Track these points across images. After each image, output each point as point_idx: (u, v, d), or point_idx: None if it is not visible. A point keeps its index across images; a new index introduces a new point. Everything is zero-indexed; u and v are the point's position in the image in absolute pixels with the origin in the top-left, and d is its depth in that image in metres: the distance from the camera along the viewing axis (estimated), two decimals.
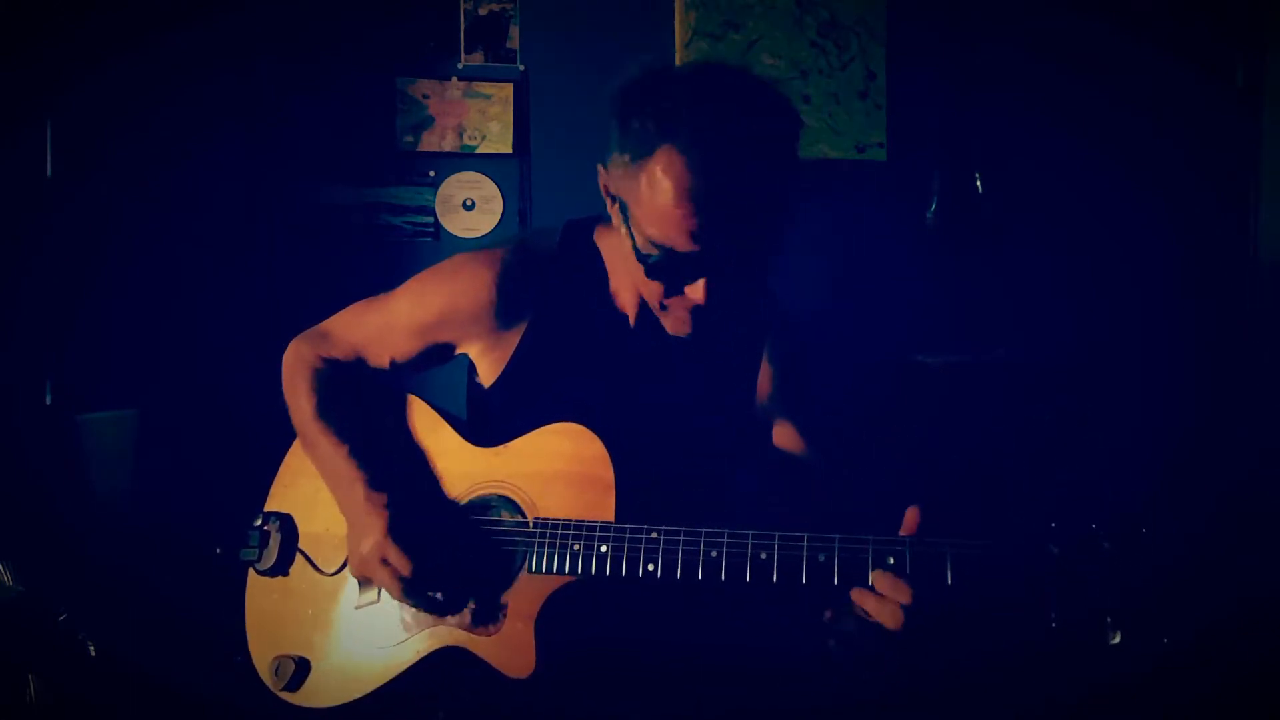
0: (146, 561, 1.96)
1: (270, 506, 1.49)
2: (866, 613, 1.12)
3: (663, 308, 1.27)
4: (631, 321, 1.37)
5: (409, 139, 2.45)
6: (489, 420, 1.43)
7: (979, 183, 2.67)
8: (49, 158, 2.11)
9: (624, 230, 1.23)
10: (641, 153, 1.15)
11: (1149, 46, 2.68)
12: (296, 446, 1.51)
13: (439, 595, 1.31)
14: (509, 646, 1.25)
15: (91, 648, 1.68)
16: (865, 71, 2.64)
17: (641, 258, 1.20)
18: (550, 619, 1.26)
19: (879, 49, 2.65)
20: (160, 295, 2.27)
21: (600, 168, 1.25)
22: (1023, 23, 2.67)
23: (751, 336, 1.42)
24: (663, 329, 1.31)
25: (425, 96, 2.45)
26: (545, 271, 1.37)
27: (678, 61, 2.52)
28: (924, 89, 2.67)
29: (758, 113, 1.17)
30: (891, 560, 1.11)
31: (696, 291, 1.20)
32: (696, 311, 1.23)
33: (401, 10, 2.43)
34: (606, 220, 1.36)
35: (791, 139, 1.22)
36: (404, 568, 1.27)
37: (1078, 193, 2.73)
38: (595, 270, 1.38)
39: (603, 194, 1.27)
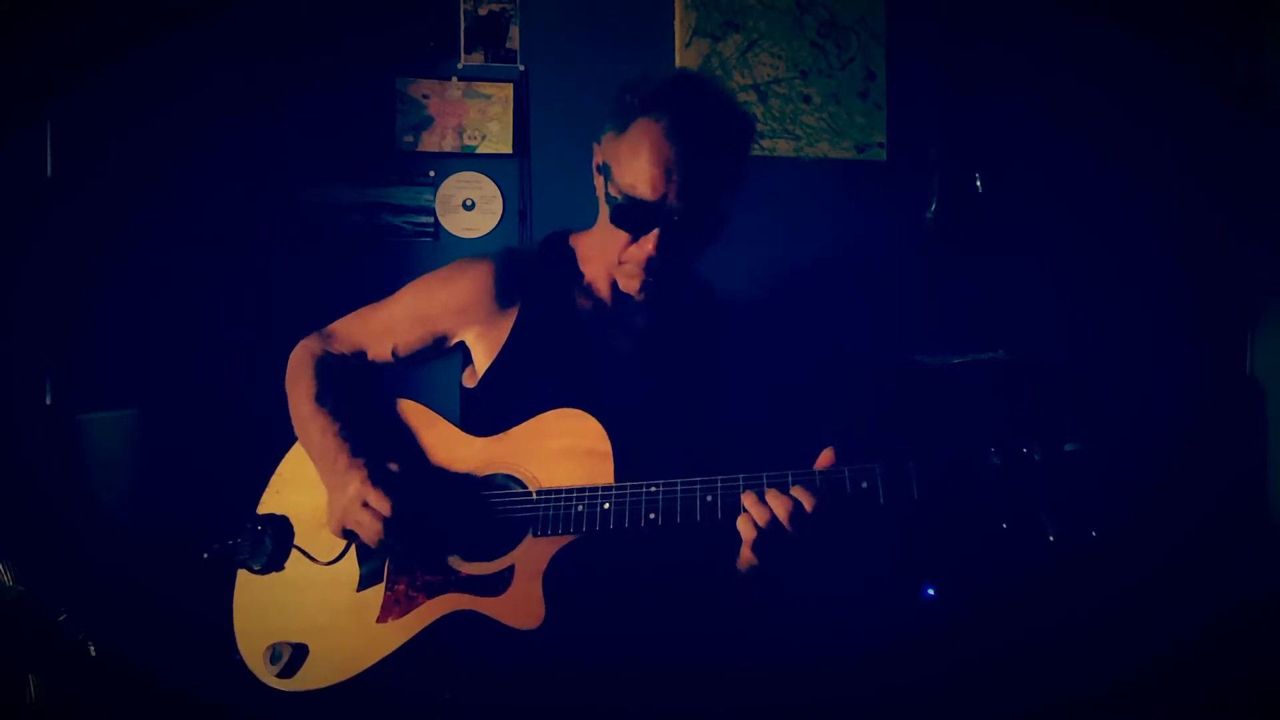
0: (146, 561, 1.96)
1: (263, 510, 1.54)
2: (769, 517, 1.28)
3: (621, 263, 1.48)
4: (608, 302, 1.57)
5: (409, 139, 2.45)
6: (481, 412, 1.54)
7: (979, 183, 2.67)
8: (49, 158, 2.11)
9: (603, 190, 1.48)
10: (627, 123, 1.44)
11: (1148, 46, 2.68)
12: (290, 455, 1.59)
13: (435, 548, 1.40)
14: (518, 602, 1.33)
15: (91, 648, 1.69)
16: (865, 71, 2.64)
17: (611, 200, 1.45)
18: (557, 574, 1.35)
19: (879, 49, 2.65)
20: (160, 295, 2.26)
21: (595, 145, 1.51)
22: (1022, 23, 2.67)
23: (709, 318, 1.63)
24: (629, 301, 1.54)
25: (425, 96, 2.45)
26: (532, 266, 1.59)
27: (677, 62, 2.53)
28: (924, 89, 2.67)
29: (718, 114, 1.46)
30: (864, 484, 1.27)
31: (649, 242, 1.43)
32: (649, 265, 1.45)
33: (401, 10, 2.43)
34: (576, 228, 1.64)
35: (743, 140, 1.49)
36: (384, 508, 1.37)
37: (1078, 193, 2.73)
38: (572, 265, 1.60)
39: (594, 169, 1.52)
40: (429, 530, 1.40)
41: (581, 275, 1.59)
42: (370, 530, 1.38)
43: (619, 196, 1.43)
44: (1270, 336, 2.77)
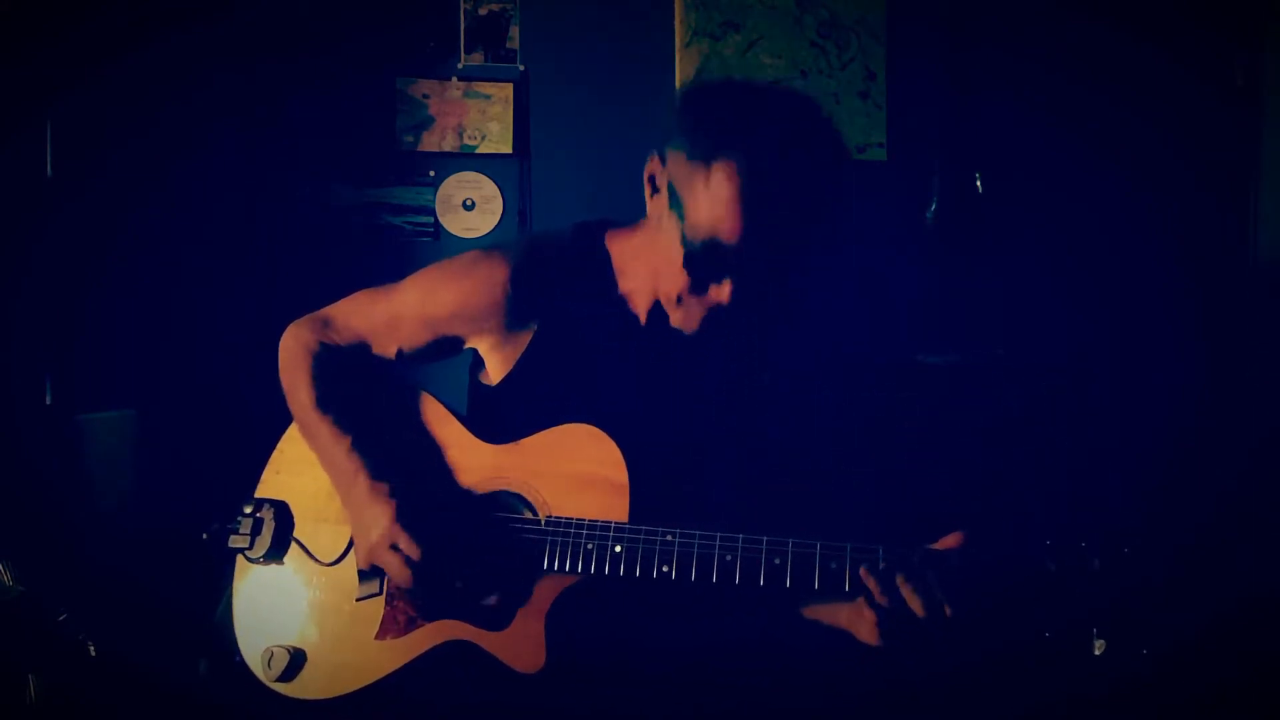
0: (146, 561, 1.96)
1: (262, 493, 1.45)
2: (900, 599, 1.16)
3: (679, 301, 1.30)
4: (643, 321, 1.37)
5: (409, 139, 2.45)
6: (493, 417, 1.43)
7: (979, 183, 2.67)
8: (49, 158, 2.11)
9: (670, 215, 1.27)
10: (704, 157, 1.22)
11: (1149, 46, 2.68)
12: (291, 433, 1.48)
13: (452, 584, 1.30)
14: (519, 642, 1.26)
15: (91, 648, 1.68)
16: (865, 71, 2.64)
17: (686, 242, 1.24)
18: (561, 615, 1.26)
19: (879, 49, 2.65)
20: (160, 295, 2.27)
21: (653, 156, 1.30)
22: (1022, 23, 2.67)
23: (760, 340, 1.43)
24: (670, 327, 1.34)
25: (425, 96, 2.45)
26: (556, 273, 1.39)
27: (677, 61, 2.52)
28: (924, 89, 2.67)
29: (808, 144, 1.24)
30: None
31: (721, 292, 1.26)
32: (713, 311, 1.28)
33: (401, 10, 2.43)
34: (615, 224, 1.42)
35: (835, 168, 1.28)
36: (414, 552, 1.27)
37: (1078, 193, 2.73)
38: (605, 273, 1.40)
39: (645, 180, 1.31)
40: (447, 561, 1.31)
41: (615, 284, 1.39)
42: (400, 574, 1.29)
43: (696, 238, 1.23)
44: (1270, 335, 2.77)
